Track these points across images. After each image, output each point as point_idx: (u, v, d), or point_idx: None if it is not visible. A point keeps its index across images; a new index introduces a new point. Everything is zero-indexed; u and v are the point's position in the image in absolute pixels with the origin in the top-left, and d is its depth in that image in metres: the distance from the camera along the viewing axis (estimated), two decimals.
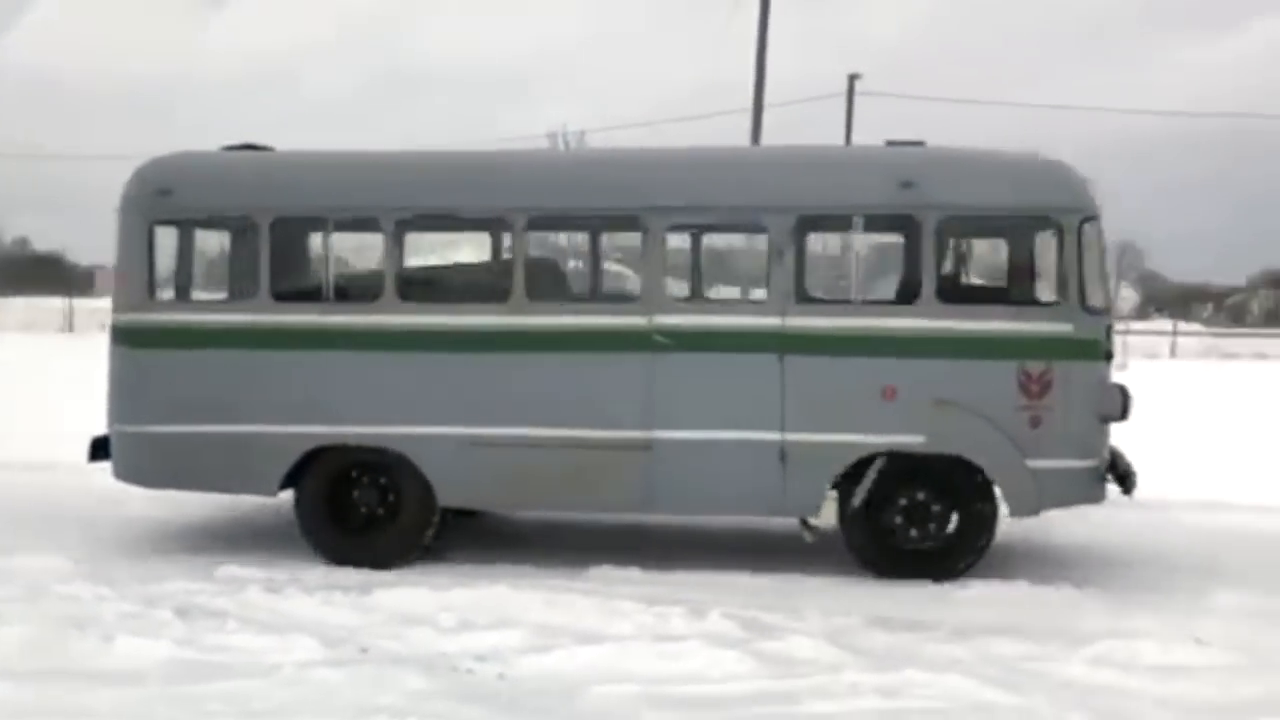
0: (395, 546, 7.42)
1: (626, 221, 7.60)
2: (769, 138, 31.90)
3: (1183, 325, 39.10)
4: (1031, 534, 8.13)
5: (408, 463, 7.33)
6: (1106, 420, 7.06)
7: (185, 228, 7.88)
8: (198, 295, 8.15)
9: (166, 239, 7.84)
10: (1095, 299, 7.03)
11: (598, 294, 8.85)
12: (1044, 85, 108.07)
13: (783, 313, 7.07)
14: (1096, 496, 7.09)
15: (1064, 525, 8.22)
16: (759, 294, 7.50)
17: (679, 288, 7.90)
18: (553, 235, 8.74)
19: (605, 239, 9.18)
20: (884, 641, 5.78)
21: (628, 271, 9.10)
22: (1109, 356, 7.12)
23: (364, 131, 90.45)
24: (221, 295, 8.23)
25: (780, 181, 7.30)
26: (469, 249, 8.93)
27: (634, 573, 7.13)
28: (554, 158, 8.32)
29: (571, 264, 9.18)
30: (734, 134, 28.88)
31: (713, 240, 8.67)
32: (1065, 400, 6.91)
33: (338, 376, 7.38)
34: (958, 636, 5.85)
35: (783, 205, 7.12)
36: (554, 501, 7.88)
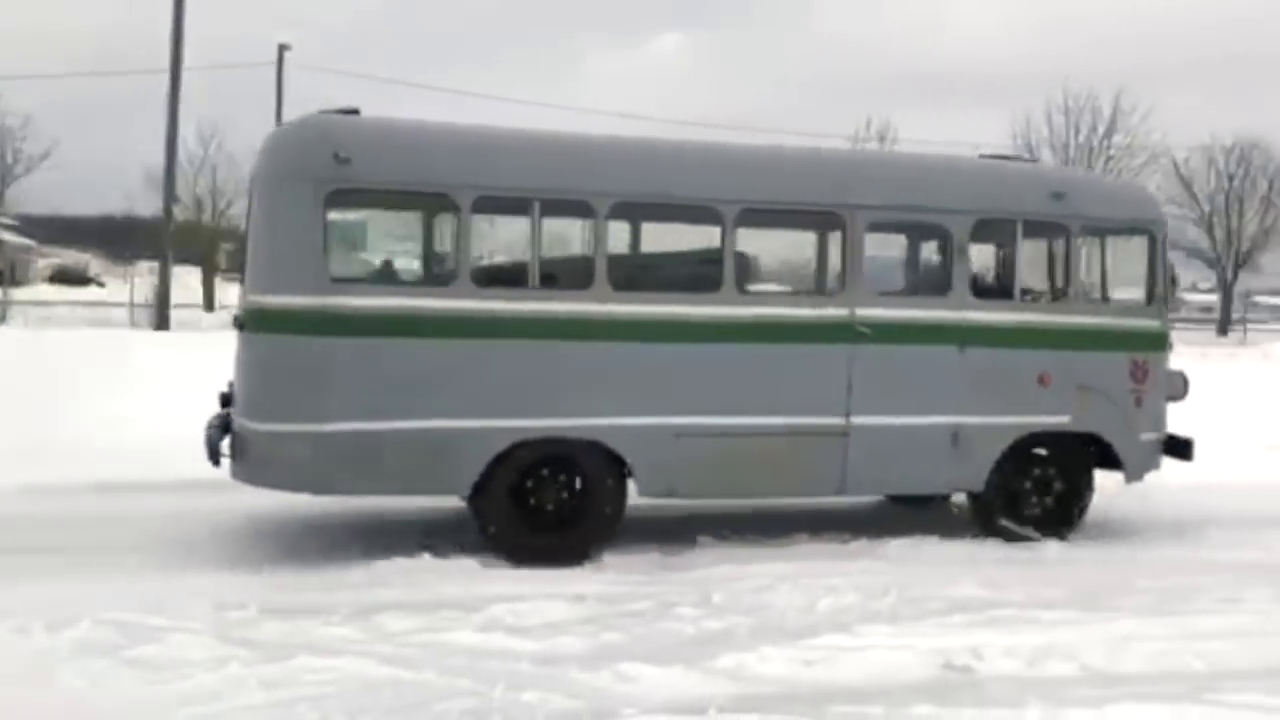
0: (588, 541, 7.16)
1: (829, 218, 7.76)
2: (194, 103, 29.83)
3: None
4: (436, 507, 8.35)
5: (609, 455, 7.11)
6: (1172, 400, 8.40)
7: (365, 201, 7.05)
8: (379, 277, 7.27)
9: (342, 213, 6.83)
10: (1167, 298, 8.35)
11: (798, 286, 8.71)
12: (488, 74, 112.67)
13: (962, 307, 7.73)
14: (1160, 463, 8.43)
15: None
16: (939, 290, 7.88)
17: (876, 282, 7.85)
18: (755, 227, 7.66)
19: (807, 234, 8.84)
20: (277, 630, 5.60)
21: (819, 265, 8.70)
22: (1171, 346, 8.48)
23: None
24: (408, 277, 7.37)
25: (962, 187, 7.94)
26: (670, 238, 8.26)
27: None
28: (765, 151, 7.85)
29: (768, 256, 8.63)
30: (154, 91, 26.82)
31: (898, 238, 8.69)
32: (1155, 384, 8.23)
33: (544, 367, 6.95)
34: (355, 618, 5.82)
35: (965, 209, 7.77)
36: (751, 489, 7.79)
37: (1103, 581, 6.93)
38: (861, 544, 7.81)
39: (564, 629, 5.73)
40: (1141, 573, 7.18)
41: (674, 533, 7.98)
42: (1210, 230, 49.14)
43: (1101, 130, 42.53)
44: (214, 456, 7.03)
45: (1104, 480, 8.46)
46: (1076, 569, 7.34)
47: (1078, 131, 42.69)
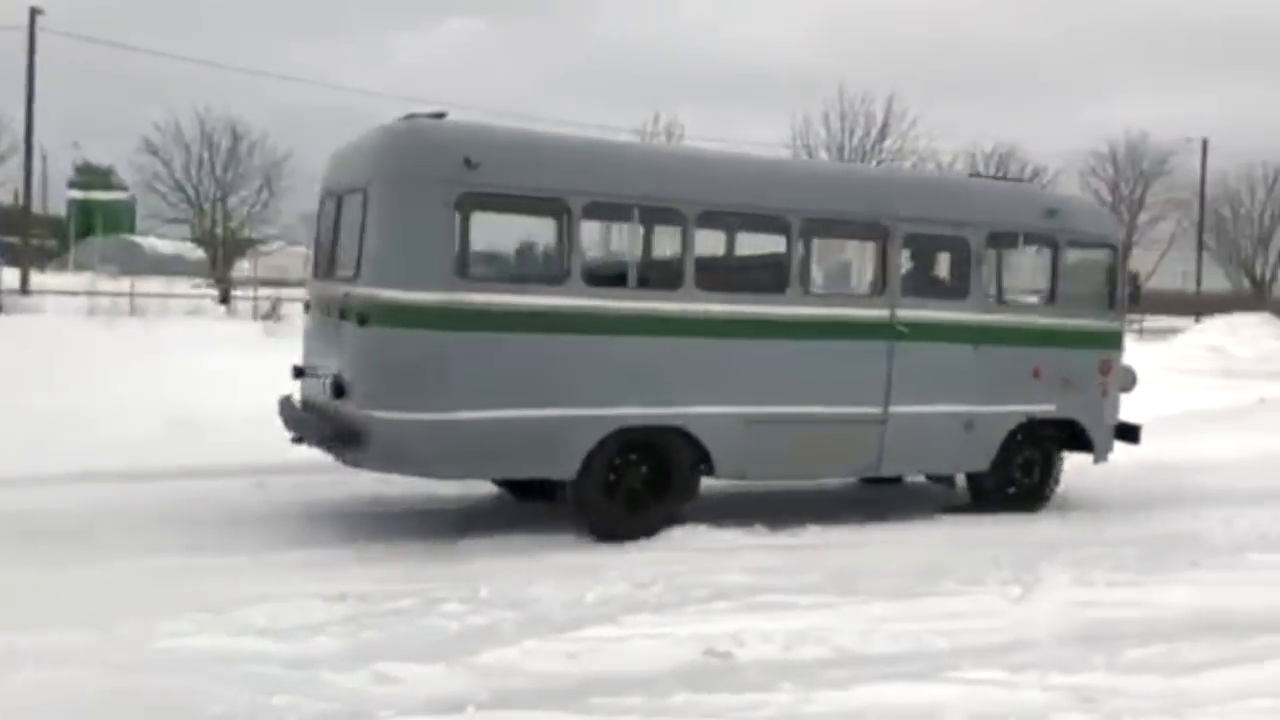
0: (663, 517, 7.78)
1: (874, 229, 8.54)
2: None
3: None
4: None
5: (689, 440, 7.78)
6: (1123, 391, 9.62)
7: (490, 204, 7.47)
8: (501, 275, 7.91)
9: (469, 214, 7.36)
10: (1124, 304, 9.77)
11: (847, 289, 9.30)
12: (272, 50, 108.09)
13: (977, 309, 8.86)
14: (1114, 446, 9.64)
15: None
16: (960, 295, 8.89)
17: (911, 286, 8.73)
18: (813, 236, 8.55)
19: (855, 243, 9.39)
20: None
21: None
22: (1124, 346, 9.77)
23: None
24: (526, 276, 7.93)
25: (976, 203, 9.14)
26: (745, 244, 8.95)
27: None
28: (821, 167, 9.86)
29: (822, 261, 9.37)
30: None
31: (925, 246, 9.20)
32: (1114, 377, 9.50)
33: (640, 360, 7.59)
34: (89, 624, 5.42)
35: (980, 222, 8.88)
36: (806, 471, 8.85)
37: (858, 565, 7.22)
38: None
39: (321, 629, 5.52)
40: (893, 555, 7.53)
41: (442, 527, 7.84)
42: None
43: (874, 134, 44.51)
44: (301, 436, 7.77)
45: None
46: (834, 553, 7.62)
47: (852, 134, 44.56)
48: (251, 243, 42.62)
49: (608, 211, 7.91)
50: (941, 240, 9.14)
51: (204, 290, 38.14)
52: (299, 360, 8.32)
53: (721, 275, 8.37)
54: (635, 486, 7.77)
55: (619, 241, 8.25)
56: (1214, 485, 10.67)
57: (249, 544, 7.20)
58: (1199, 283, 51.90)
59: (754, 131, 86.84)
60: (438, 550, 7.31)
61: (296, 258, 57.56)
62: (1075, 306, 9.43)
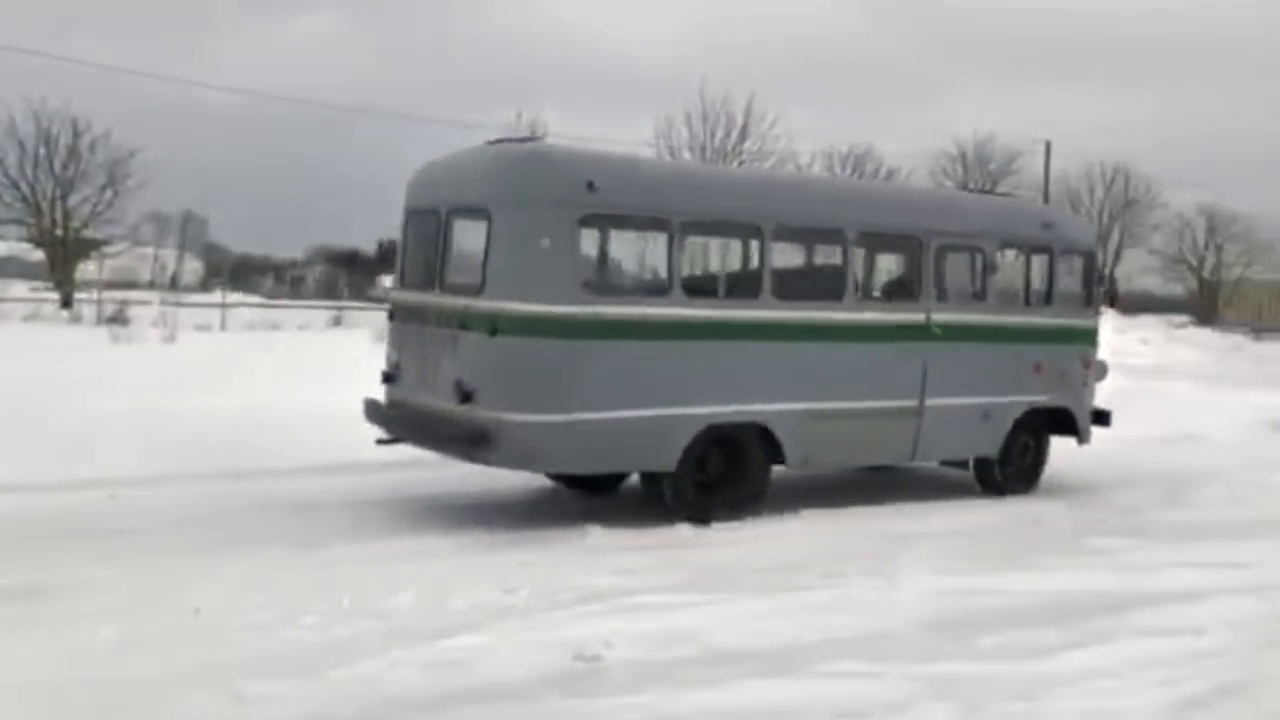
0: (745, 502, 8.55)
1: (913, 241, 9.52)
2: None
3: (245, 296, 40.32)
4: None
5: (765, 433, 8.56)
6: (1099, 381, 10.85)
7: (608, 223, 8.34)
8: (616, 288, 8.65)
9: (589, 232, 8.15)
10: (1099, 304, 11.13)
11: (890, 295, 10.05)
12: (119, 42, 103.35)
13: (992, 311, 9.90)
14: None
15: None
16: (979, 298, 9.96)
17: (940, 291, 9.66)
18: (864, 248, 9.65)
19: (897, 254, 10.21)
20: None
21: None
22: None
23: None
24: (637, 288, 8.67)
25: (991, 218, 10.28)
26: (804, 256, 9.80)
27: None
28: (869, 188, 11.74)
29: (869, 271, 10.18)
30: None
31: (950, 256, 10.03)
32: (1092, 369, 10.68)
33: (728, 362, 8.35)
34: None
35: (994, 234, 9.92)
36: (855, 459, 9.87)
37: (725, 562, 7.28)
38: (503, 536, 7.78)
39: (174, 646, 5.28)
40: (758, 552, 7.62)
41: (303, 535, 7.60)
42: None
43: (735, 135, 45.15)
44: (397, 437, 8.53)
45: None
46: (701, 552, 7.67)
47: (714, 135, 45.11)
48: (95, 244, 40.64)
49: (702, 229, 8.75)
50: (963, 250, 10.06)
51: (43, 294, 36.24)
52: (383, 365, 8.96)
53: (791, 285, 9.08)
54: (718, 476, 8.51)
55: (710, 256, 9.29)
56: (1063, 472, 11.11)
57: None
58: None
59: (617, 130, 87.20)
60: (299, 560, 7.07)
61: (144, 260, 55.35)
62: (1064, 307, 10.53)
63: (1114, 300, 11.21)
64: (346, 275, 58.91)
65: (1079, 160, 55.98)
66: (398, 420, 8.66)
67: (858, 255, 9.41)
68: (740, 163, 44.84)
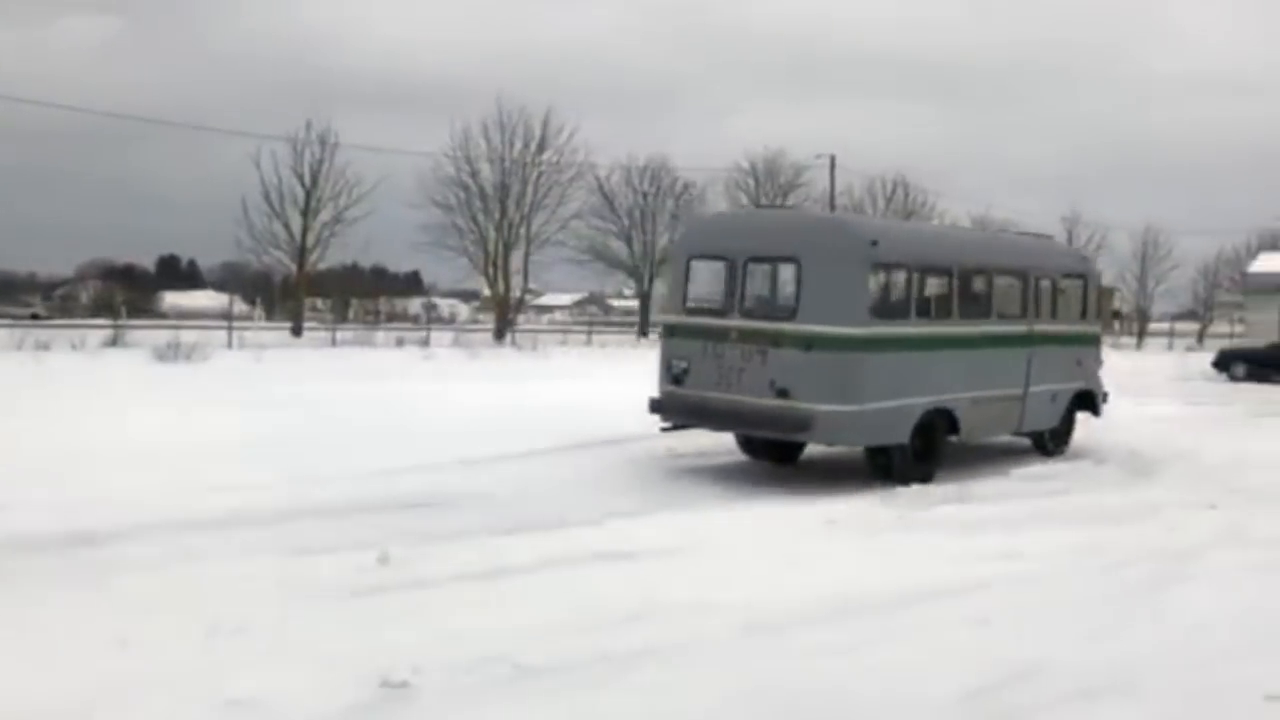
0: (934, 468, 11.40)
1: (1022, 274, 12.97)
2: None
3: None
4: None
5: (950, 416, 11.60)
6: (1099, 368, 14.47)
7: (882, 269, 11.34)
8: (884, 314, 11.28)
9: (881, 275, 11.39)
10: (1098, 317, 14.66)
11: (1008, 314, 12.80)
12: None
13: (1063, 322, 13.44)
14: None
15: None
16: (1055, 315, 13.44)
17: (1036, 310, 13.04)
18: (998, 278, 12.71)
19: (1015, 282, 13.01)
20: None
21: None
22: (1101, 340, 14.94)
23: None
24: (897, 314, 11.42)
25: (1056, 255, 14.94)
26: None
27: None
28: (1001, 239, 16.85)
29: (999, 296, 12.82)
30: None
31: (1039, 283, 13.26)
32: (1099, 360, 14.48)
33: (935, 364, 11.46)
34: None
35: (1058, 268, 13.86)
36: (991, 432, 12.79)
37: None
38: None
39: None
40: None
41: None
42: (629, 242, 54.21)
43: (533, 146, 45.09)
44: (678, 423, 11.80)
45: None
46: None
47: (512, 146, 44.91)
48: None
49: (931, 270, 11.87)
50: (1045, 279, 13.37)
51: None
52: (673, 369, 11.55)
53: (963, 308, 12.15)
54: (920, 449, 11.26)
55: (927, 289, 11.98)
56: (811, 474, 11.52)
57: None
58: None
59: (414, 141, 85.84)
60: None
61: None
62: (1089, 319, 14.20)
63: (1118, 316, 18.04)
64: (122, 292, 55.58)
65: (862, 174, 58.68)
66: (690, 411, 11.46)
67: (996, 285, 12.67)
68: (541, 173, 45.00)
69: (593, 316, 62.17)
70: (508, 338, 41.06)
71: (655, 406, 11.71)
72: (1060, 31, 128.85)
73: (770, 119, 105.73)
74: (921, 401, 11.19)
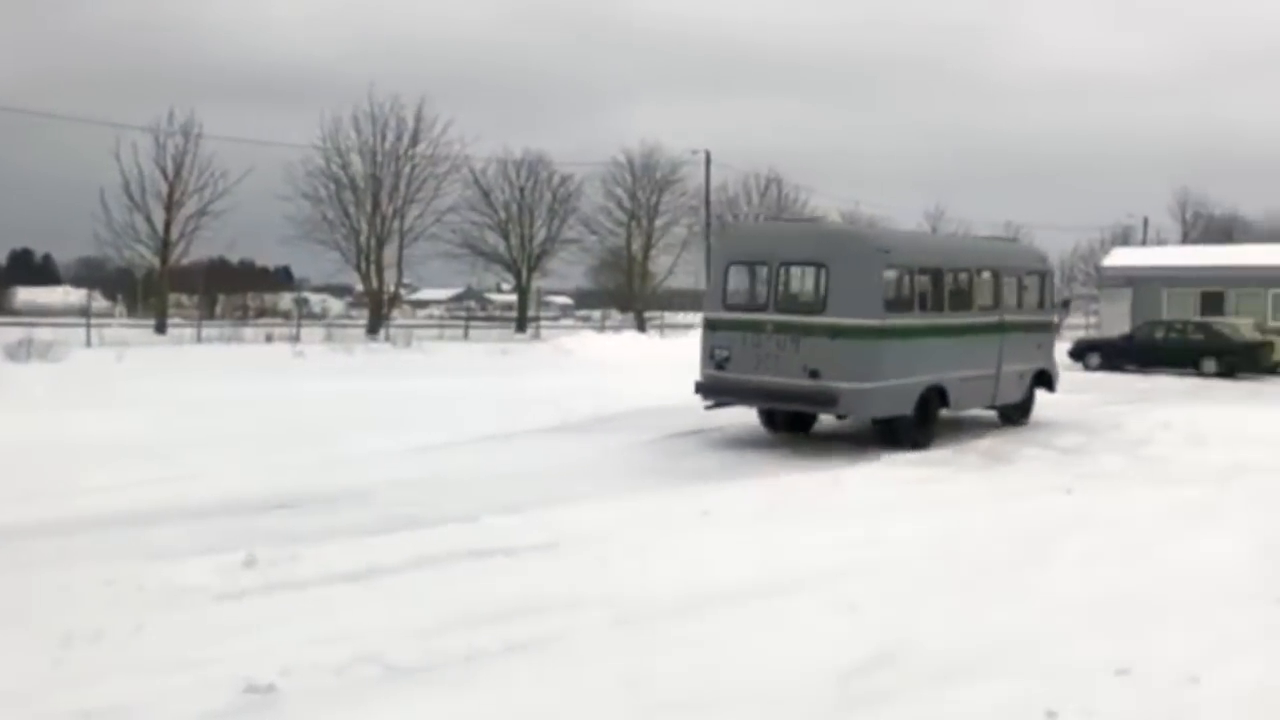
0: (930, 436, 13.69)
1: (995, 271, 15.50)
2: None
3: None
4: None
5: (943, 392, 13.89)
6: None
7: (892, 270, 13.60)
8: (897, 308, 13.55)
9: (886, 275, 13.42)
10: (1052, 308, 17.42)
11: (984, 306, 15.20)
12: None
13: (1029, 313, 15.96)
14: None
15: None
16: (1022, 307, 16.02)
17: (1005, 303, 15.57)
18: (977, 276, 15.24)
19: (988, 279, 15.44)
20: None
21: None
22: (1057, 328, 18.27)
23: None
24: (904, 307, 13.76)
25: (1022, 255, 17.67)
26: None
27: None
28: (980, 243, 19.11)
29: (976, 291, 15.29)
30: None
31: (1009, 279, 15.90)
32: (1054, 344, 17.04)
33: (932, 348, 13.75)
34: None
35: (1025, 266, 16.45)
36: (973, 405, 15.11)
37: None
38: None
39: None
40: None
41: None
42: (507, 236, 53.80)
43: (406, 139, 44.39)
44: (722, 403, 14.00)
45: None
46: None
47: (384, 138, 44.14)
48: None
49: (925, 270, 14.20)
50: (1013, 276, 15.90)
51: None
52: (715, 356, 13.60)
53: (952, 301, 14.54)
54: (918, 419, 13.52)
55: (922, 285, 14.19)
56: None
57: None
58: (709, 281, 56.70)
59: (282, 133, 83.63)
60: None
61: None
62: (1046, 309, 16.80)
63: (1067, 305, 20.50)
64: None
65: (736, 170, 59.40)
66: (732, 391, 13.60)
67: (977, 282, 15.08)
68: (414, 166, 44.38)
69: (471, 311, 61.49)
70: (382, 333, 40.34)
71: (699, 388, 13.74)
72: (923, 33, 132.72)
73: (647, 114, 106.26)
74: (923, 379, 13.53)
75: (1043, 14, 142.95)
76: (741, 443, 13.70)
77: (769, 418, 14.49)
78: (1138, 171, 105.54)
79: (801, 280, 13.95)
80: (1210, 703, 5.13)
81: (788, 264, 13.60)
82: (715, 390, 13.62)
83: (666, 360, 27.63)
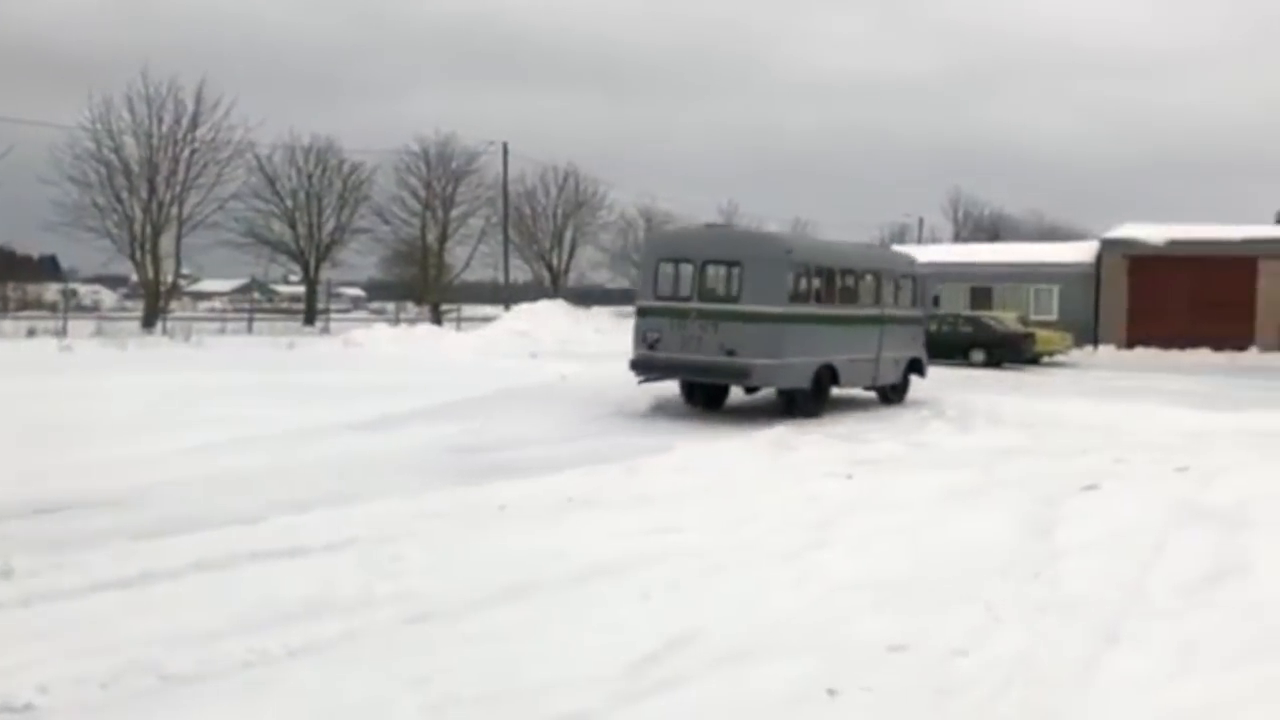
0: (822, 409, 16.59)
1: (877, 272, 18.82)
2: None
3: None
4: None
5: (836, 371, 16.92)
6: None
7: (797, 269, 16.54)
8: (799, 299, 16.51)
9: (790, 272, 16.34)
10: (922, 305, 20.79)
11: (868, 302, 18.45)
12: None
13: (901, 309, 19.18)
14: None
15: None
16: (898, 303, 19.37)
17: (884, 298, 18.89)
18: (862, 276, 18.60)
19: (869, 279, 18.71)
20: None
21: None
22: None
23: None
24: (804, 299, 16.72)
25: (896, 260, 20.68)
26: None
27: None
28: (868, 249, 24.05)
29: (862, 288, 18.66)
30: None
31: (886, 280, 19.17)
32: (924, 336, 20.42)
33: (825, 333, 16.67)
34: None
35: (897, 269, 19.69)
36: (858, 383, 18.19)
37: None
38: None
39: None
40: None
41: None
42: (294, 225, 51.95)
43: (185, 122, 42.26)
44: (651, 378, 17.02)
45: None
46: None
47: (161, 121, 41.88)
48: None
49: (819, 271, 17.07)
50: (890, 277, 19.02)
51: None
52: (648, 339, 16.41)
53: (842, 296, 17.53)
54: (812, 392, 16.46)
55: (819, 281, 17.12)
56: (491, 461, 11.59)
57: None
58: (506, 274, 56.55)
59: (46, 112, 78.12)
60: None
61: None
62: (917, 306, 19.76)
63: (936, 302, 22.72)
64: None
65: (535, 162, 59.34)
66: (661, 367, 16.38)
67: (861, 281, 18.20)
68: (194, 150, 42.47)
69: (256, 303, 59.01)
70: (159, 326, 38.25)
71: (634, 365, 16.51)
72: (718, 33, 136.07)
73: (441, 104, 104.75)
74: (818, 359, 16.49)
75: (815, 12, 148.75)
76: (535, 440, 13.67)
77: (689, 393, 17.29)
78: (914, 171, 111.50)
79: (720, 275, 16.45)
80: (977, 673, 5.46)
81: (709, 262, 16.39)
82: (647, 367, 16.41)
83: (464, 354, 27.32)
